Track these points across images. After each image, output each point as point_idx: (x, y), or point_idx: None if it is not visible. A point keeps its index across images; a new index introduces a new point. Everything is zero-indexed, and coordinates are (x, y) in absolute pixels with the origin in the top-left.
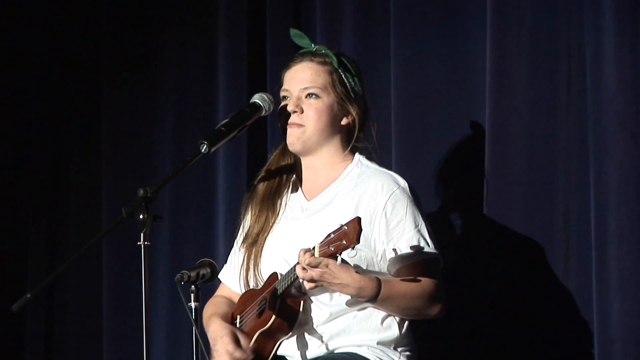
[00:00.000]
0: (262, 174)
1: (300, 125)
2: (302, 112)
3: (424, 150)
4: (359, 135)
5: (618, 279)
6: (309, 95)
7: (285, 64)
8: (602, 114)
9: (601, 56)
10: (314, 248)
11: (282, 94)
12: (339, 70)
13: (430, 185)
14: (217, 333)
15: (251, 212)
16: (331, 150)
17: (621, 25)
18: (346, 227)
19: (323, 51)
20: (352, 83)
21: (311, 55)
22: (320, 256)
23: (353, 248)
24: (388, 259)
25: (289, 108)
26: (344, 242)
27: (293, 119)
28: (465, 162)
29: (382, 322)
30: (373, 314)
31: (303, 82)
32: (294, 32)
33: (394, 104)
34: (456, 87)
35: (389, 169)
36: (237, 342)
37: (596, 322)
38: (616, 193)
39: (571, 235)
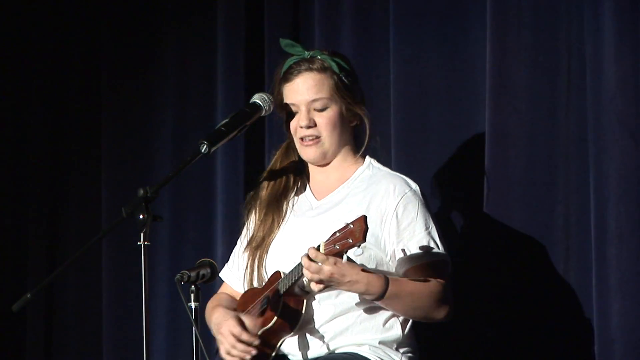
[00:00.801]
0: (265, 175)
1: (317, 138)
2: (315, 125)
3: (424, 150)
4: (370, 135)
5: (618, 279)
6: (319, 109)
7: (283, 76)
8: (602, 113)
9: (601, 56)
10: (319, 246)
11: (292, 108)
12: (341, 74)
13: (430, 185)
14: (221, 318)
15: (256, 214)
16: (343, 154)
17: (621, 25)
18: (352, 226)
19: (319, 57)
20: (352, 81)
21: (309, 63)
22: (326, 254)
23: (359, 246)
24: (397, 259)
25: (302, 123)
26: (350, 240)
27: (309, 132)
28: (465, 162)
29: (384, 322)
30: (376, 314)
31: (309, 95)
32: (284, 42)
33: (393, 104)
34: (456, 87)
35: (389, 168)
36: (242, 325)
37: (596, 322)
38: (616, 193)
39: (571, 235)
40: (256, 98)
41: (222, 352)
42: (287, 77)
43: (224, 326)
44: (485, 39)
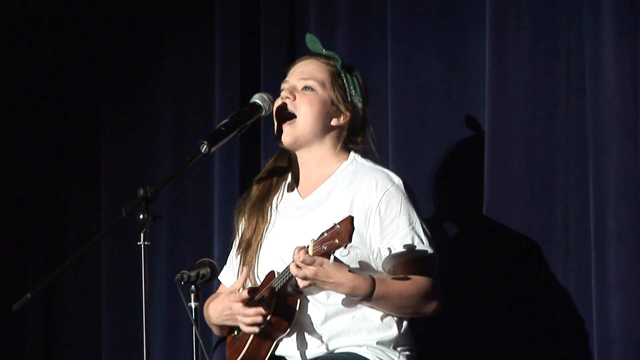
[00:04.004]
0: (255, 180)
1: (292, 116)
2: (295, 99)
3: (423, 150)
4: (350, 138)
5: (617, 279)
6: (305, 87)
7: (292, 63)
8: (601, 113)
9: (600, 55)
10: (308, 246)
11: (282, 86)
12: (341, 73)
13: (429, 185)
14: (219, 307)
15: (244, 217)
16: (323, 148)
17: (620, 24)
18: (339, 226)
19: (332, 55)
20: (352, 91)
21: (318, 55)
22: (313, 255)
23: (345, 247)
24: (383, 256)
25: (283, 94)
26: (337, 241)
27: (285, 105)
28: (464, 161)
29: (381, 322)
30: (371, 314)
31: (303, 74)
32: (309, 36)
33: (391, 103)
34: (455, 86)
35: (387, 168)
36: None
37: (595, 321)
38: (615, 192)
39: (570, 235)
40: (256, 98)
41: (242, 327)
42: (294, 61)
43: (229, 307)
44: (485, 38)
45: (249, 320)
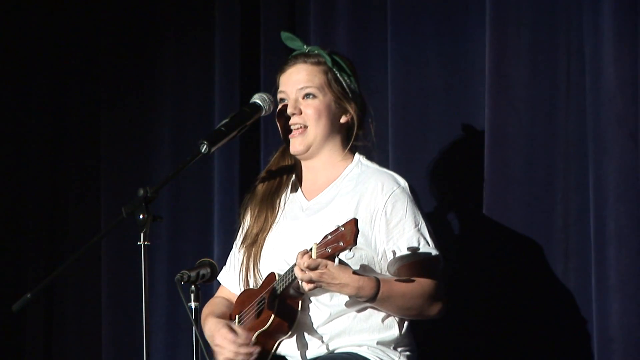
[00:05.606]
0: (262, 175)
1: (303, 127)
2: (301, 113)
3: (423, 150)
4: (358, 133)
5: (617, 279)
6: (306, 96)
7: (280, 68)
8: (601, 113)
9: (600, 56)
10: (311, 249)
11: (279, 96)
12: (334, 69)
13: (428, 185)
14: (213, 329)
15: (250, 212)
16: (331, 150)
17: (620, 24)
18: (343, 229)
19: (316, 52)
20: (348, 81)
21: (305, 56)
22: (317, 257)
23: (350, 249)
24: (388, 258)
25: (288, 111)
26: (341, 243)
27: (294, 120)
28: (464, 162)
29: (382, 322)
30: (373, 314)
31: (299, 83)
32: (285, 35)
33: (391, 103)
34: (455, 86)
35: (386, 168)
36: (234, 331)
37: (595, 321)
38: (615, 193)
39: (570, 235)
40: (256, 98)
41: None
42: (283, 68)
43: (217, 337)
44: (485, 38)
45: (240, 358)
